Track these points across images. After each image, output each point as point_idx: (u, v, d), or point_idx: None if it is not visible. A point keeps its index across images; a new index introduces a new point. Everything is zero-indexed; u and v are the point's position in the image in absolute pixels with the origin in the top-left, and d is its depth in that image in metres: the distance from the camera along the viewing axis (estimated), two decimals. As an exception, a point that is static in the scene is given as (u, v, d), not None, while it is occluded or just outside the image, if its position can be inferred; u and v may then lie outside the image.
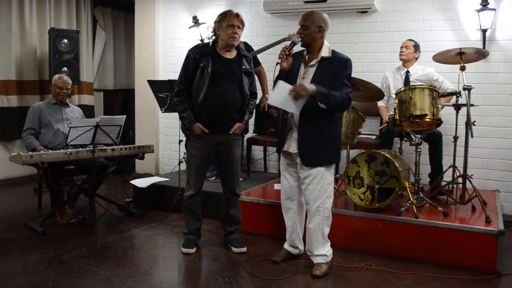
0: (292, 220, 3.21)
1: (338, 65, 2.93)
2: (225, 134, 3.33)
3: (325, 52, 2.94)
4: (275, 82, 2.93)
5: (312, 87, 2.78)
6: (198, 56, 3.25)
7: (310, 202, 3.01)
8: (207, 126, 3.29)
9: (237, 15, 3.24)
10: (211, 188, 4.31)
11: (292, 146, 3.02)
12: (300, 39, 2.95)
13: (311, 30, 2.92)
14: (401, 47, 4.35)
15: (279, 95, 2.84)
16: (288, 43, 3.01)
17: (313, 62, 2.97)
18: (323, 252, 3.04)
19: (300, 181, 3.08)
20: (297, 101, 2.81)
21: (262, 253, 3.40)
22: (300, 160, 2.98)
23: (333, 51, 2.97)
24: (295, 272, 3.07)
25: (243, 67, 3.29)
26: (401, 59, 4.34)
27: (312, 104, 2.81)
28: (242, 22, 3.25)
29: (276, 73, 3.04)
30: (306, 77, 2.96)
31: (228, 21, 3.20)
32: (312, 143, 2.94)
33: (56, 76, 4.42)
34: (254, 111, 3.67)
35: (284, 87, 2.82)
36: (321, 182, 2.97)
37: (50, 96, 4.54)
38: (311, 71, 2.96)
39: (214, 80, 3.22)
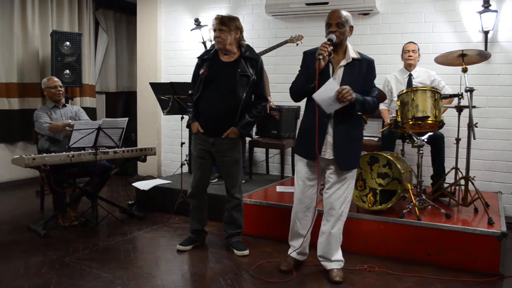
0: (306, 228, 3.08)
1: (367, 67, 2.90)
2: (218, 137, 3.35)
3: (353, 53, 2.89)
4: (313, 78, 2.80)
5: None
6: (200, 61, 3.41)
7: (336, 207, 2.94)
8: (203, 127, 3.37)
9: (217, 18, 3.27)
10: (214, 191, 4.29)
11: (327, 151, 2.89)
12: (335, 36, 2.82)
13: (346, 29, 2.86)
14: (407, 51, 4.30)
15: (325, 93, 2.73)
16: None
17: (343, 63, 2.88)
18: (340, 258, 3.04)
19: (315, 187, 3.01)
20: (337, 104, 2.74)
21: (264, 256, 3.39)
22: (337, 164, 2.88)
23: (358, 52, 2.93)
24: (298, 275, 3.06)
25: (239, 70, 3.28)
26: (409, 64, 4.30)
27: (346, 108, 2.79)
28: (224, 23, 3.23)
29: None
30: (336, 78, 2.86)
31: (213, 27, 3.30)
32: (347, 146, 2.89)
33: (44, 80, 4.46)
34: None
35: (332, 86, 2.72)
36: (349, 186, 2.96)
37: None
38: (340, 71, 2.88)
39: (208, 84, 3.30)
